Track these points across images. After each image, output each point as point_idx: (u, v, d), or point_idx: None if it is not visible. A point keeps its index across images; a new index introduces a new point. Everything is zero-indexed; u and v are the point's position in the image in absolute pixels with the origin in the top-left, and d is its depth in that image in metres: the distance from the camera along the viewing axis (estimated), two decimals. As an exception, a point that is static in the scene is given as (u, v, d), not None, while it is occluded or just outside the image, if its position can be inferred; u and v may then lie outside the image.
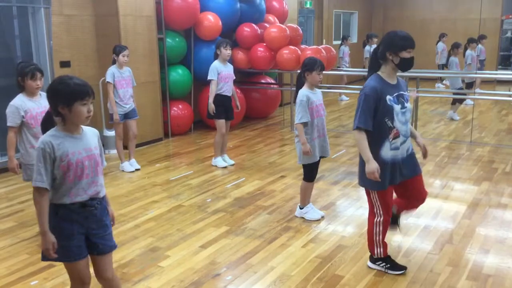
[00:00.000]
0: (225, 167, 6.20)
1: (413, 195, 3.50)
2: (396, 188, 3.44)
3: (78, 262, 2.55)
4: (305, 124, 4.27)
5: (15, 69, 3.92)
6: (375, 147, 3.25)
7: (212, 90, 5.94)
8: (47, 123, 2.56)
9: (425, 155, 3.45)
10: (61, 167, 2.42)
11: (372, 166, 3.17)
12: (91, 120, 2.54)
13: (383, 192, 3.34)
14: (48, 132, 2.47)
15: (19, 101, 3.88)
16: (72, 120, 2.45)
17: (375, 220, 3.42)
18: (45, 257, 2.54)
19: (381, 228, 3.42)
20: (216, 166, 6.25)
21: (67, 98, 2.39)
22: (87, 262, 2.61)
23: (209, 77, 5.95)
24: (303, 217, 4.51)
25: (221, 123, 6.10)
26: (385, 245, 3.50)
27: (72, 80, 2.44)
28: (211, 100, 5.94)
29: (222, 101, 6.01)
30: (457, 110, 9.37)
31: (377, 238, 3.45)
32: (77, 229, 2.51)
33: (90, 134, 2.58)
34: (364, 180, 3.35)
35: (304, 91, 4.29)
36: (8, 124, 3.88)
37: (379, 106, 3.19)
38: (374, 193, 3.36)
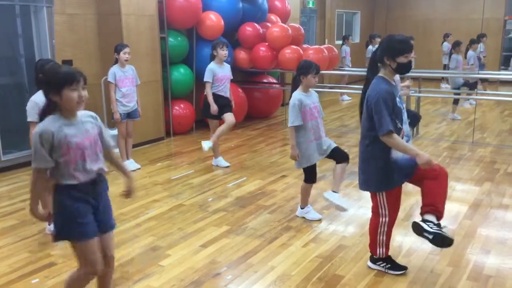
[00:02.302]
0: (226, 167, 6.20)
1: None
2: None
3: (92, 240, 2.62)
4: (298, 128, 4.26)
5: (34, 68, 3.99)
6: (387, 149, 3.22)
7: (208, 92, 5.97)
8: (44, 114, 2.58)
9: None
10: (62, 151, 2.48)
11: (426, 155, 3.11)
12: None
13: (391, 192, 3.32)
14: (46, 119, 2.52)
15: (39, 95, 3.92)
16: (65, 107, 2.51)
17: (380, 220, 3.40)
18: (57, 237, 2.61)
19: (386, 229, 3.41)
20: (217, 165, 6.26)
21: (56, 84, 2.47)
22: (98, 242, 2.67)
23: (205, 79, 5.97)
24: (304, 217, 4.51)
25: (215, 123, 6.15)
26: (387, 246, 3.48)
27: (61, 68, 2.56)
28: (211, 100, 5.95)
29: (217, 101, 6.01)
30: (459, 111, 9.37)
31: (381, 237, 3.44)
32: (87, 207, 2.60)
33: (84, 116, 2.65)
34: (369, 184, 3.37)
35: (296, 94, 4.28)
36: (28, 119, 3.96)
37: (392, 109, 3.18)
38: (382, 195, 3.34)
